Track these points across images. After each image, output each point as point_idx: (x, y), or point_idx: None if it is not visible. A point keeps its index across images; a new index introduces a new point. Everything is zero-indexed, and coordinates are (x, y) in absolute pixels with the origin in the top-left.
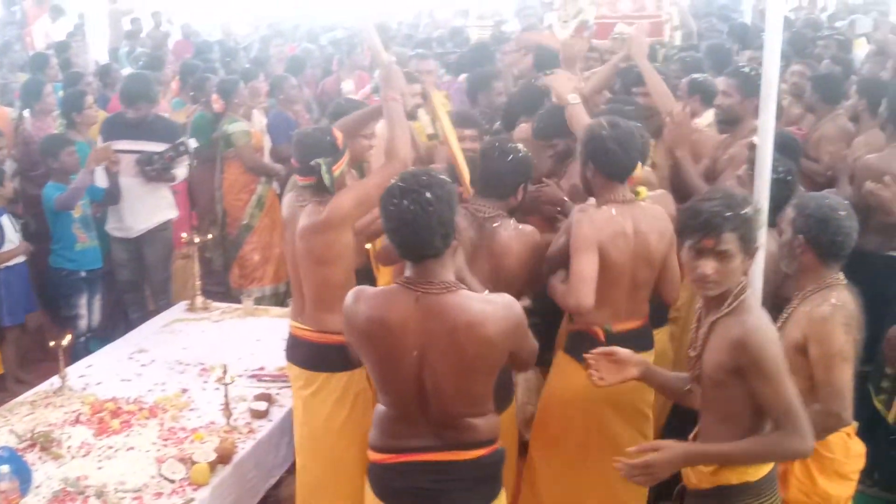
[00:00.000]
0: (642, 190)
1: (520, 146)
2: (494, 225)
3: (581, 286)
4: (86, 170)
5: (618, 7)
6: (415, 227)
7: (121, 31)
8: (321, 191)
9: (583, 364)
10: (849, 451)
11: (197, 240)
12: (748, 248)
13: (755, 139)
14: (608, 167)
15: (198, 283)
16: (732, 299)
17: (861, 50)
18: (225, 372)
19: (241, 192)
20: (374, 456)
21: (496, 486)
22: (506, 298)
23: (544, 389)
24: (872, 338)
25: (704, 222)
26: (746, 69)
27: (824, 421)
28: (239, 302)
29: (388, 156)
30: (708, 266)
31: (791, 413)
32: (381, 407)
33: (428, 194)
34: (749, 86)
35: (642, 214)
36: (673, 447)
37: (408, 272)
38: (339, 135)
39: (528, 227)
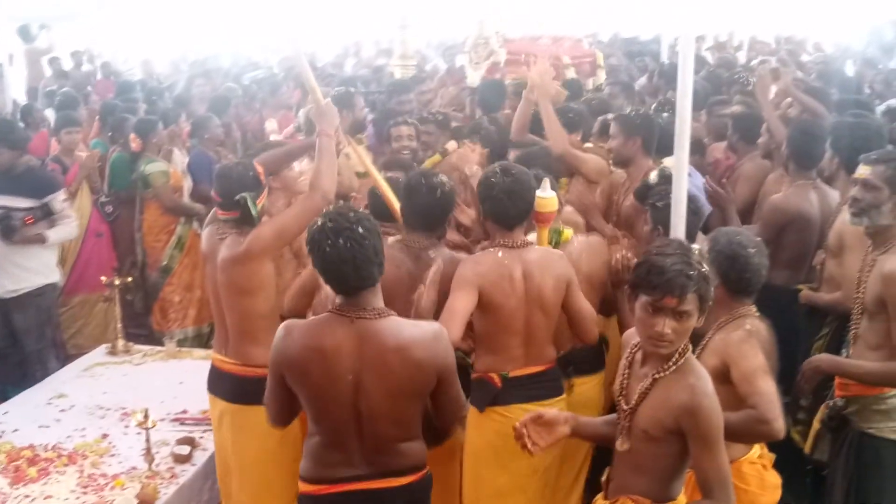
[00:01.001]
0: (567, 232)
1: (444, 178)
2: (431, 254)
3: (448, 319)
4: None
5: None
6: (354, 263)
7: (40, 70)
8: (242, 223)
9: (482, 412)
10: (764, 482)
11: (118, 282)
12: (704, 307)
13: (653, 175)
14: (495, 214)
15: (119, 325)
16: (678, 357)
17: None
18: (146, 416)
19: (161, 234)
20: (305, 487)
21: None
22: (434, 326)
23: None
24: (785, 371)
25: (668, 282)
26: (629, 111)
27: (755, 427)
28: (161, 344)
29: (312, 187)
30: (667, 325)
31: (726, 485)
32: (312, 438)
33: (360, 229)
34: (628, 126)
35: (536, 260)
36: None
37: (339, 300)
38: (260, 169)
39: (462, 255)
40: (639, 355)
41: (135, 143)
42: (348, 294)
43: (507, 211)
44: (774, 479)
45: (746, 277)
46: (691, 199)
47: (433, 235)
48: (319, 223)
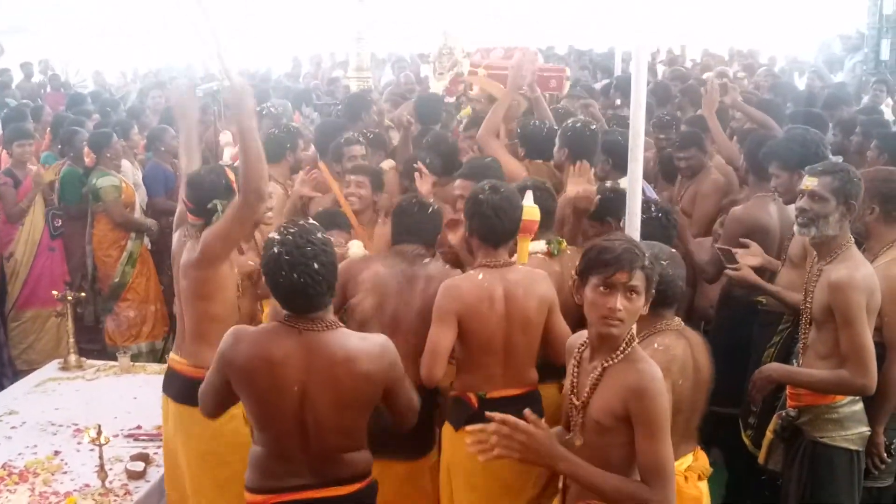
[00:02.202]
0: (563, 241)
1: (431, 201)
2: (426, 261)
3: (432, 359)
4: None
5: (492, 59)
6: (306, 294)
7: None
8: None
9: (457, 431)
10: (682, 495)
11: (70, 296)
12: (649, 290)
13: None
14: (482, 231)
15: (71, 340)
16: (625, 346)
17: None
18: (99, 432)
19: (111, 248)
20: (252, 498)
21: None
22: (382, 339)
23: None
24: (739, 380)
25: (617, 258)
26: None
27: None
28: (114, 359)
29: (240, 190)
30: (618, 301)
31: (665, 476)
32: (257, 447)
33: (315, 265)
34: (563, 138)
35: (519, 279)
36: (555, 445)
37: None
38: (232, 176)
39: (457, 269)
40: (586, 353)
41: (88, 158)
42: (297, 314)
43: (494, 228)
44: (694, 492)
45: (661, 289)
46: (665, 213)
47: (428, 248)
48: (275, 252)
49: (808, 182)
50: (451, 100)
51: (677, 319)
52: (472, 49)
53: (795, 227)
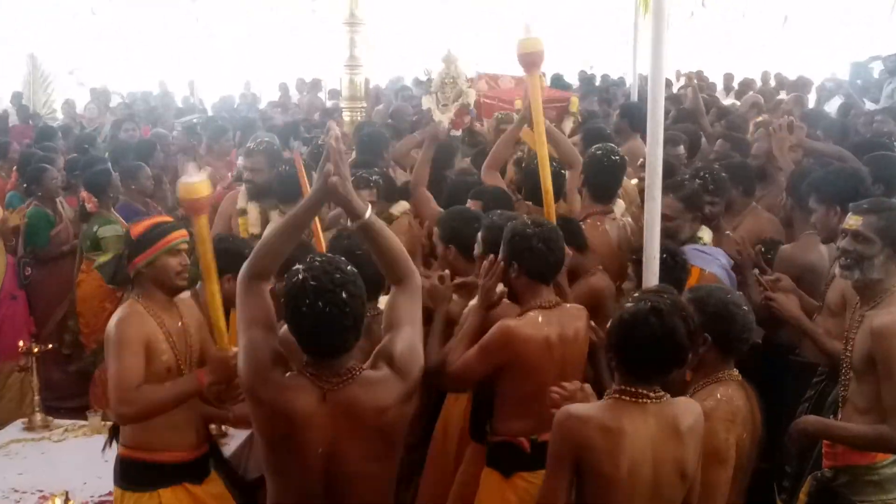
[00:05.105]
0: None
1: None
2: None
3: (461, 381)
4: None
5: (500, 88)
6: (331, 329)
7: None
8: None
9: (507, 478)
10: None
11: (36, 349)
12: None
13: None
14: (534, 268)
15: (36, 398)
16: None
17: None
18: (67, 500)
19: (106, 301)
20: None
21: None
22: (387, 372)
23: None
24: (772, 434)
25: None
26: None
27: None
28: (84, 418)
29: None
30: None
31: None
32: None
33: (344, 294)
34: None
35: (569, 320)
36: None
37: (308, 360)
38: (139, 228)
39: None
40: None
41: (90, 203)
42: (321, 358)
43: (548, 263)
44: None
45: (725, 336)
46: (671, 254)
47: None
48: (301, 278)
49: (852, 221)
50: (458, 133)
51: (736, 371)
52: (474, 74)
53: (836, 270)
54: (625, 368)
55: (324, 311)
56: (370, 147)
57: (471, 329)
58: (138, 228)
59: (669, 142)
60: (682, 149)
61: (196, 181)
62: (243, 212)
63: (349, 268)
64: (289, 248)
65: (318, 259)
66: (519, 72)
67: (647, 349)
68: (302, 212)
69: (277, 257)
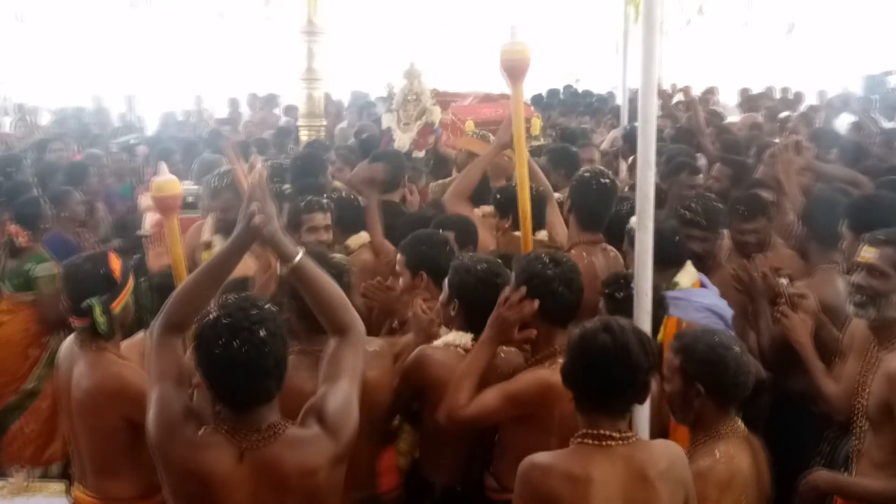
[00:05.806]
0: None
1: None
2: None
3: (479, 416)
4: None
5: (479, 113)
6: (248, 372)
7: None
8: (96, 336)
9: None
10: None
11: None
12: None
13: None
14: (555, 311)
15: None
16: None
17: None
18: None
19: (31, 348)
20: None
21: None
22: (317, 431)
23: None
24: (785, 490)
25: None
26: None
27: None
28: (5, 475)
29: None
30: None
31: None
32: None
33: (262, 332)
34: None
35: None
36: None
37: (225, 413)
38: (116, 264)
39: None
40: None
41: (22, 238)
42: (237, 409)
43: (569, 305)
44: None
45: (724, 382)
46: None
47: None
48: (213, 317)
49: (867, 253)
50: (421, 154)
51: (740, 422)
52: (437, 90)
53: (850, 308)
54: (584, 398)
55: (240, 352)
56: (305, 171)
57: (475, 367)
58: (116, 265)
59: (685, 169)
60: (700, 178)
61: (168, 179)
62: (208, 245)
63: (267, 306)
64: (208, 297)
65: (232, 298)
66: (484, 87)
67: (601, 369)
68: (223, 257)
69: (196, 307)
